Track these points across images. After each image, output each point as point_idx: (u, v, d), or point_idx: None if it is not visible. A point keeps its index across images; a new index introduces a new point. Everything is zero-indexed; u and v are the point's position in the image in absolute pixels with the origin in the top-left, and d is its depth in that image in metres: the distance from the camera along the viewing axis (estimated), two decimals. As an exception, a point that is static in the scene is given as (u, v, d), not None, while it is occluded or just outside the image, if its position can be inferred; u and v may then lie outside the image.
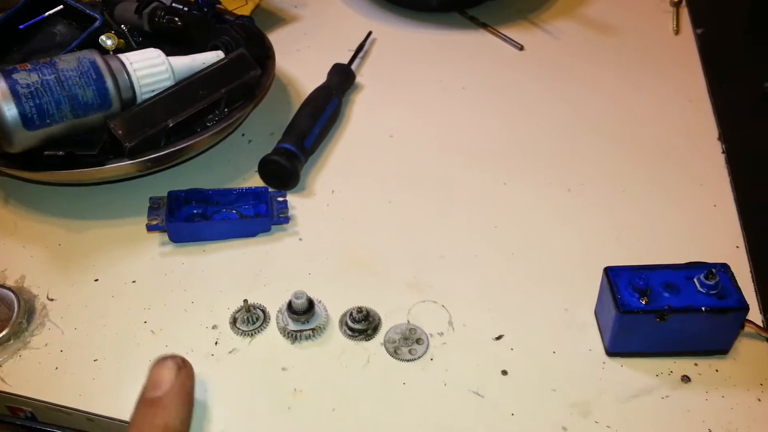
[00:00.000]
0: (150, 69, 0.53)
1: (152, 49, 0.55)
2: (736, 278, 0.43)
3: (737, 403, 0.42)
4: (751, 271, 0.50)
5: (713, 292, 0.42)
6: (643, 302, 0.42)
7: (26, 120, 0.48)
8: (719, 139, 0.63)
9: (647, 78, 0.71)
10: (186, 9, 0.63)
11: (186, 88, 0.54)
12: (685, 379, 0.44)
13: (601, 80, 0.71)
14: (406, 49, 0.77)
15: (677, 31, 0.79)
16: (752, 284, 0.49)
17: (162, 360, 0.40)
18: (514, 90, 0.70)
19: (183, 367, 0.40)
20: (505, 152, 0.62)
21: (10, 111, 0.48)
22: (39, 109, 0.48)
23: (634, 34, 0.78)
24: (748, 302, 0.46)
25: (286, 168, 0.56)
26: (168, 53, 0.56)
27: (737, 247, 0.52)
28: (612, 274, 0.44)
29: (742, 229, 0.54)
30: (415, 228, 0.55)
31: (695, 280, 0.42)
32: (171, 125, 0.53)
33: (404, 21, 0.82)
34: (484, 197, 0.57)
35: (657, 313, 0.41)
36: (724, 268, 0.43)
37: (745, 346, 0.45)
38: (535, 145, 0.63)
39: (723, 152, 0.61)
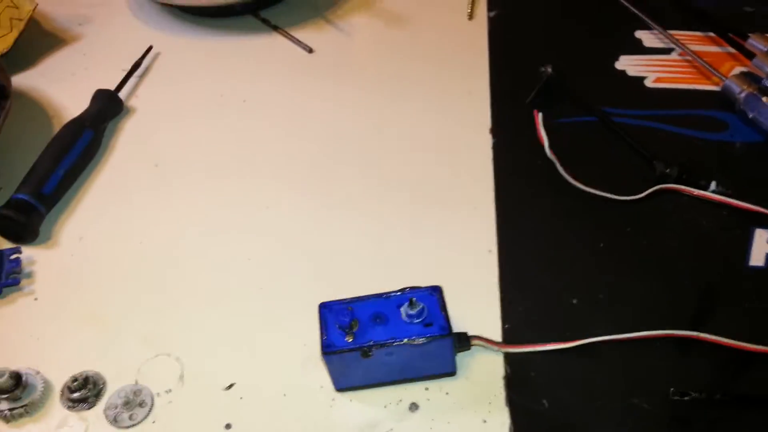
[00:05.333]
0: None
1: None
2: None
3: (461, 428, 0.41)
4: (499, 279, 0.50)
5: (418, 320, 0.41)
6: (349, 340, 0.40)
7: None
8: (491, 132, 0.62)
9: (437, 70, 0.69)
10: None
11: None
12: (413, 407, 0.43)
13: (386, 77, 0.69)
14: (190, 62, 0.73)
15: (471, 16, 0.77)
16: (498, 292, 0.49)
17: None
18: (297, 99, 0.67)
19: None
20: (275, 172, 0.60)
21: None
22: None
23: (428, 23, 0.76)
24: (491, 312, 0.46)
25: (18, 222, 0.52)
26: None
27: (489, 251, 0.52)
28: (324, 310, 0.42)
29: (497, 230, 0.53)
30: (163, 271, 0.52)
31: (402, 308, 0.41)
32: None
33: (195, 30, 0.77)
34: (244, 226, 0.55)
35: (361, 350, 0.40)
36: (436, 291, 0.42)
37: (477, 362, 0.44)
38: (303, 162, 0.61)
39: (492, 147, 0.60)
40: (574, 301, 0.48)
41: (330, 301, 0.42)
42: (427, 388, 0.43)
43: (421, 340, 0.40)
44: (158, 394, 0.44)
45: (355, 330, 0.40)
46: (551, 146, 0.55)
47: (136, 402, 0.43)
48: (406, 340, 0.40)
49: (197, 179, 0.59)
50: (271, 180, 0.58)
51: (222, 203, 0.57)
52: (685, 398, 0.42)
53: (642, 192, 0.54)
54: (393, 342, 0.40)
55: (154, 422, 0.43)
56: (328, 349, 0.40)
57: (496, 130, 0.61)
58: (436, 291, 0.42)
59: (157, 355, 0.46)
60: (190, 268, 0.52)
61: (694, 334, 0.44)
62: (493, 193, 0.56)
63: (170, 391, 0.44)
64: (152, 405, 0.43)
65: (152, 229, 0.55)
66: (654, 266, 0.50)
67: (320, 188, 0.57)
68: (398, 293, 0.42)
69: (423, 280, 0.46)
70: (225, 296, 0.49)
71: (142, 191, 0.58)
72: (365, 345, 0.40)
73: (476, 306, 0.47)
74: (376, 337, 0.40)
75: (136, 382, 0.44)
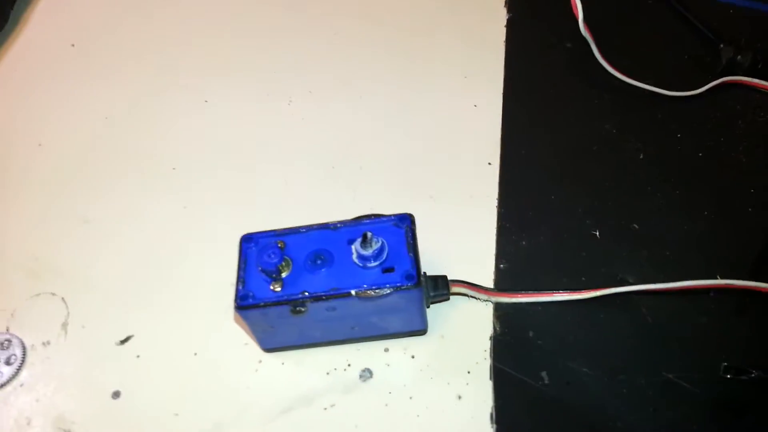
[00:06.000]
0: None
1: None
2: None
3: (427, 406, 0.30)
4: (498, 200, 0.37)
5: (374, 263, 0.29)
6: (276, 289, 0.29)
7: None
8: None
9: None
10: None
11: None
12: (366, 374, 0.31)
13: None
14: None
15: None
16: (494, 218, 0.37)
17: None
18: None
19: None
20: (217, 63, 0.46)
21: None
22: None
23: None
24: (483, 246, 0.35)
25: None
26: None
27: (489, 163, 0.39)
28: (247, 245, 0.30)
29: (502, 136, 0.40)
30: (63, 181, 0.40)
31: (353, 246, 0.29)
32: None
33: None
34: (172, 127, 0.42)
35: (290, 304, 0.28)
36: (404, 221, 0.30)
37: (458, 315, 0.33)
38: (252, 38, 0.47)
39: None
40: (596, 233, 0.36)
41: (257, 233, 0.30)
42: (386, 349, 0.32)
43: (374, 293, 0.28)
44: (33, 346, 0.33)
45: (285, 275, 0.29)
46: (586, 20, 0.41)
47: (2, 358, 0.33)
48: (353, 291, 0.28)
49: (120, 66, 0.46)
50: (213, 74, 0.45)
51: (147, 97, 0.44)
52: (743, 377, 0.30)
53: (701, 86, 0.40)
54: (335, 294, 0.28)
55: (22, 385, 0.32)
56: (243, 303, 0.28)
57: (512, 3, 0.47)
58: (404, 222, 0.30)
59: (40, 293, 0.35)
60: (97, 179, 0.40)
61: (756, 285, 0.32)
62: (501, 84, 0.42)
63: (48, 343, 0.33)
64: (23, 362, 0.33)
65: (57, 127, 0.42)
66: (709, 187, 0.37)
67: (272, 72, 0.44)
68: (351, 223, 0.30)
69: (393, 203, 0.34)
70: (134, 217, 0.38)
71: (50, 77, 0.45)
72: (296, 298, 0.28)
73: (464, 237, 0.35)
74: (313, 286, 0.28)
75: (7, 330, 0.34)
